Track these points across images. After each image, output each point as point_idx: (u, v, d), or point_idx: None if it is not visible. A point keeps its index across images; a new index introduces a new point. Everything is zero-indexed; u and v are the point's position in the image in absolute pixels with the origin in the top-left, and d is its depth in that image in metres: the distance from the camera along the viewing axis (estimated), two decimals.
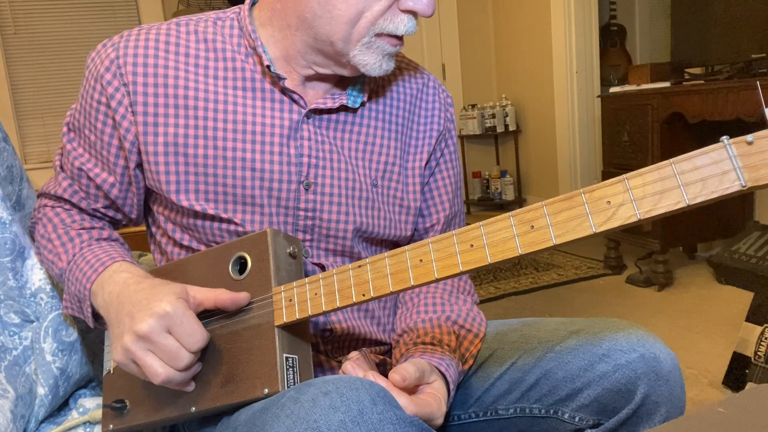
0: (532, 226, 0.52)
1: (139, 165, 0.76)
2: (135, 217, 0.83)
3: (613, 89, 2.72)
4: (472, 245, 0.55)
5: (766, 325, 1.57)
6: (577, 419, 0.72)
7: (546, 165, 3.95)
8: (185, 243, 0.78)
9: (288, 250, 0.69)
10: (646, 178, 0.49)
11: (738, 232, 2.49)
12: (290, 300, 0.64)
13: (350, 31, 0.70)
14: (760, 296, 1.64)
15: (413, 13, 0.71)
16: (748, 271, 2.28)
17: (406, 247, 0.59)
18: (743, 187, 0.46)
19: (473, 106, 4.21)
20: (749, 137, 0.46)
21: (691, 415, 0.51)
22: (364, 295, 0.60)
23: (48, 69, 3.53)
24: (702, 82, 2.34)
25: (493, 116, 4.11)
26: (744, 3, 2.29)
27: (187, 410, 0.67)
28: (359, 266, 0.61)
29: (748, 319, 1.63)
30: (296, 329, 0.66)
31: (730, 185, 0.46)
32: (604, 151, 2.76)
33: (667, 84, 2.47)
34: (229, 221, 0.74)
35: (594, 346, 0.71)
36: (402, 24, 0.71)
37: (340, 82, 0.80)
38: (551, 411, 0.74)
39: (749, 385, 1.58)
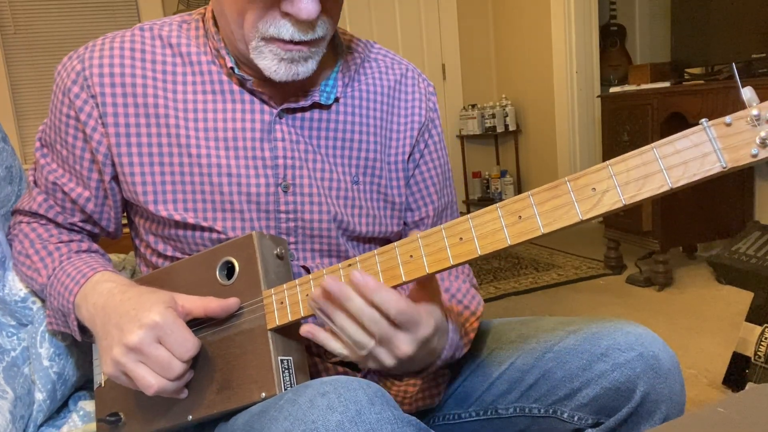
0: (520, 217, 0.53)
1: (115, 177, 0.75)
2: (113, 231, 0.82)
3: (613, 89, 2.72)
4: (461, 238, 0.55)
5: (766, 325, 1.57)
6: (576, 418, 0.72)
7: (546, 165, 3.95)
8: (168, 254, 0.77)
9: (275, 252, 0.68)
10: (629, 163, 0.50)
11: (738, 232, 2.48)
12: (281, 302, 0.64)
13: (241, 33, 0.68)
14: (760, 296, 1.64)
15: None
16: (748, 271, 2.27)
17: (395, 243, 0.59)
18: (724, 168, 0.46)
19: (473, 106, 4.21)
20: (727, 118, 0.46)
21: (691, 415, 0.51)
22: None
23: (48, 69, 3.53)
24: (702, 82, 2.34)
25: (493, 116, 4.11)
26: (744, 3, 2.29)
27: (184, 419, 0.66)
28: (349, 265, 0.61)
29: (748, 319, 1.62)
30: (289, 331, 0.66)
31: (711, 167, 0.47)
32: (604, 151, 2.76)
33: (667, 84, 2.47)
34: (211, 229, 0.73)
35: (592, 346, 0.71)
36: (284, 29, 0.66)
37: (310, 78, 0.77)
38: (550, 410, 0.73)
39: (749, 385, 1.58)
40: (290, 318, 0.63)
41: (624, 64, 3.80)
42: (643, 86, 2.56)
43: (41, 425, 0.84)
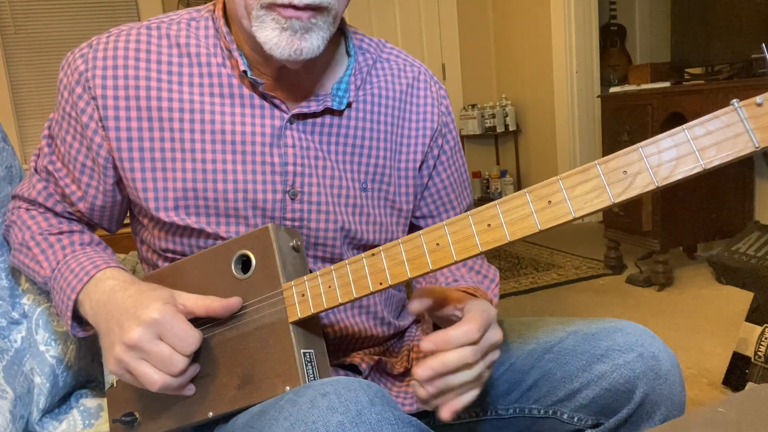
0: (550, 201, 0.52)
1: (118, 181, 0.74)
2: (107, 226, 0.81)
3: (613, 89, 2.72)
4: (489, 225, 0.54)
5: (766, 325, 1.57)
6: (576, 419, 0.72)
7: (546, 165, 3.95)
8: (169, 255, 0.76)
9: (291, 244, 0.67)
10: (660, 145, 0.49)
11: (738, 232, 2.48)
12: (303, 295, 0.63)
13: (243, 5, 0.65)
14: (760, 296, 1.64)
15: None
16: (748, 271, 2.27)
17: (420, 231, 0.58)
18: (757, 147, 0.47)
19: (473, 106, 4.21)
20: (758, 99, 0.47)
21: (691, 415, 0.51)
22: (381, 283, 0.59)
23: (48, 69, 3.53)
24: (702, 82, 2.34)
25: (493, 116, 4.11)
26: (744, 3, 2.29)
27: (204, 416, 0.66)
28: (373, 255, 0.60)
29: (748, 319, 1.62)
30: (309, 324, 0.65)
31: (744, 147, 0.47)
32: (604, 151, 2.76)
33: (667, 84, 2.47)
34: (216, 236, 0.72)
35: (592, 347, 0.71)
36: None
37: (321, 81, 0.76)
38: (550, 411, 0.73)
39: (749, 385, 1.58)
40: (313, 310, 0.62)
41: (624, 64, 3.80)
42: (643, 86, 2.56)
43: (45, 414, 0.84)
